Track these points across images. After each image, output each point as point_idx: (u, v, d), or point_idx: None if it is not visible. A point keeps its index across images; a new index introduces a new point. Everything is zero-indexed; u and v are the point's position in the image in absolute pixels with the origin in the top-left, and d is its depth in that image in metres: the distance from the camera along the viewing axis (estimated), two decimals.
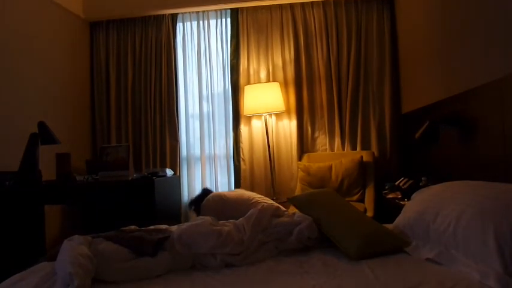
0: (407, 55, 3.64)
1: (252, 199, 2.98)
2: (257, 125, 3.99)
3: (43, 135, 2.81)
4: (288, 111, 3.94)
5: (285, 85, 3.94)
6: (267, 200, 3.04)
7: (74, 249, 1.50)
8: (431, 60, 3.03)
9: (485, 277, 1.34)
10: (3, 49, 2.99)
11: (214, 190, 4.00)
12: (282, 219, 1.94)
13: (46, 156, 2.99)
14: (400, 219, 1.99)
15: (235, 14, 4.01)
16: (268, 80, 3.96)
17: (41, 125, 2.82)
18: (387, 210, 2.93)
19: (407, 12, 3.57)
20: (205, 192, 3.27)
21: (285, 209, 2.17)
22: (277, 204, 2.19)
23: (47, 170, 3.01)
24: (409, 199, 2.53)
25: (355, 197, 3.40)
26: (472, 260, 1.44)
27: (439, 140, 2.63)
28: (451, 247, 1.57)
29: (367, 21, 3.85)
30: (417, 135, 2.68)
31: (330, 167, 3.51)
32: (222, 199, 3.03)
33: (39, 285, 1.42)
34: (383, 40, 3.81)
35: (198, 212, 3.16)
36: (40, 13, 3.45)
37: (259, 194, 3.84)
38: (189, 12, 4.09)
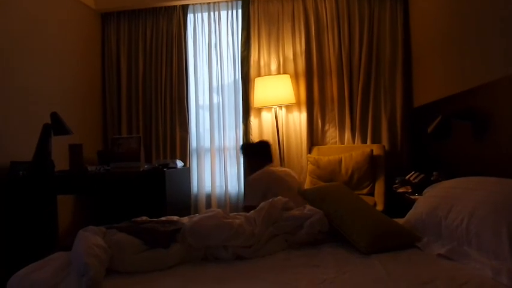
0: (420, 48, 3.59)
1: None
2: (267, 117, 3.99)
3: (56, 126, 2.84)
4: (298, 104, 3.92)
5: (295, 77, 3.92)
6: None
7: (89, 239, 1.52)
8: (445, 54, 2.99)
9: (497, 274, 1.33)
10: (15, 40, 3.02)
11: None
12: (293, 213, 1.94)
13: (59, 146, 3.03)
14: (411, 214, 1.99)
15: (246, 5, 3.99)
16: (278, 72, 3.94)
17: (54, 116, 2.85)
18: (397, 204, 2.92)
19: (421, 5, 3.52)
20: (262, 144, 3.11)
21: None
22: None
23: (60, 160, 3.04)
24: (419, 193, 2.52)
25: (365, 191, 3.40)
26: (485, 257, 1.44)
27: (451, 135, 2.60)
28: (464, 243, 1.56)
29: (380, 13, 3.79)
30: (429, 129, 2.65)
31: (340, 160, 3.50)
32: (273, 173, 2.83)
33: (55, 275, 1.44)
34: (396, 33, 3.76)
35: (245, 156, 3.20)
36: (52, 4, 3.46)
37: None
38: (200, 4, 4.08)
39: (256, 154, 3.00)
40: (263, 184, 2.67)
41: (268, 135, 3.96)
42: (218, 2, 4.04)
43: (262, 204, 1.97)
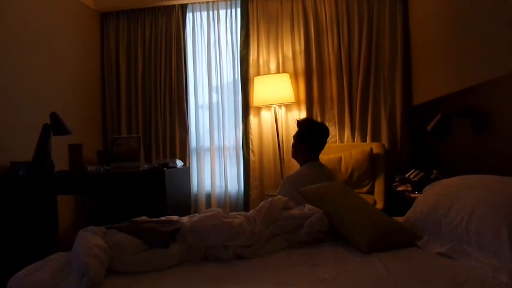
0: (419, 46, 3.59)
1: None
2: (266, 116, 3.99)
3: (55, 126, 2.84)
4: (297, 103, 3.92)
5: (294, 76, 3.92)
6: None
7: (89, 240, 1.52)
8: (444, 52, 2.99)
9: (497, 272, 1.33)
10: (14, 41, 3.01)
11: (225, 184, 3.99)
12: (293, 212, 1.94)
13: (59, 146, 3.03)
14: (411, 213, 1.98)
15: (245, 4, 3.98)
16: (278, 71, 3.94)
17: (53, 116, 2.85)
18: (397, 203, 2.92)
19: (420, 3, 3.51)
20: (324, 132, 2.74)
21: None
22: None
23: (60, 160, 3.04)
24: (419, 191, 2.52)
25: (365, 189, 3.40)
26: (485, 255, 1.43)
27: (451, 133, 2.60)
28: (464, 242, 1.56)
29: (379, 12, 3.79)
30: (429, 127, 2.65)
31: (340, 159, 3.50)
32: (306, 178, 2.58)
33: (55, 276, 1.43)
34: (395, 31, 3.75)
35: (298, 134, 2.72)
36: (51, 4, 3.46)
37: (269, 185, 3.89)
38: (199, 3, 4.07)
39: (309, 142, 2.68)
40: (293, 188, 2.57)
41: (268, 135, 3.96)
42: (217, 1, 4.04)
43: (262, 203, 1.97)
